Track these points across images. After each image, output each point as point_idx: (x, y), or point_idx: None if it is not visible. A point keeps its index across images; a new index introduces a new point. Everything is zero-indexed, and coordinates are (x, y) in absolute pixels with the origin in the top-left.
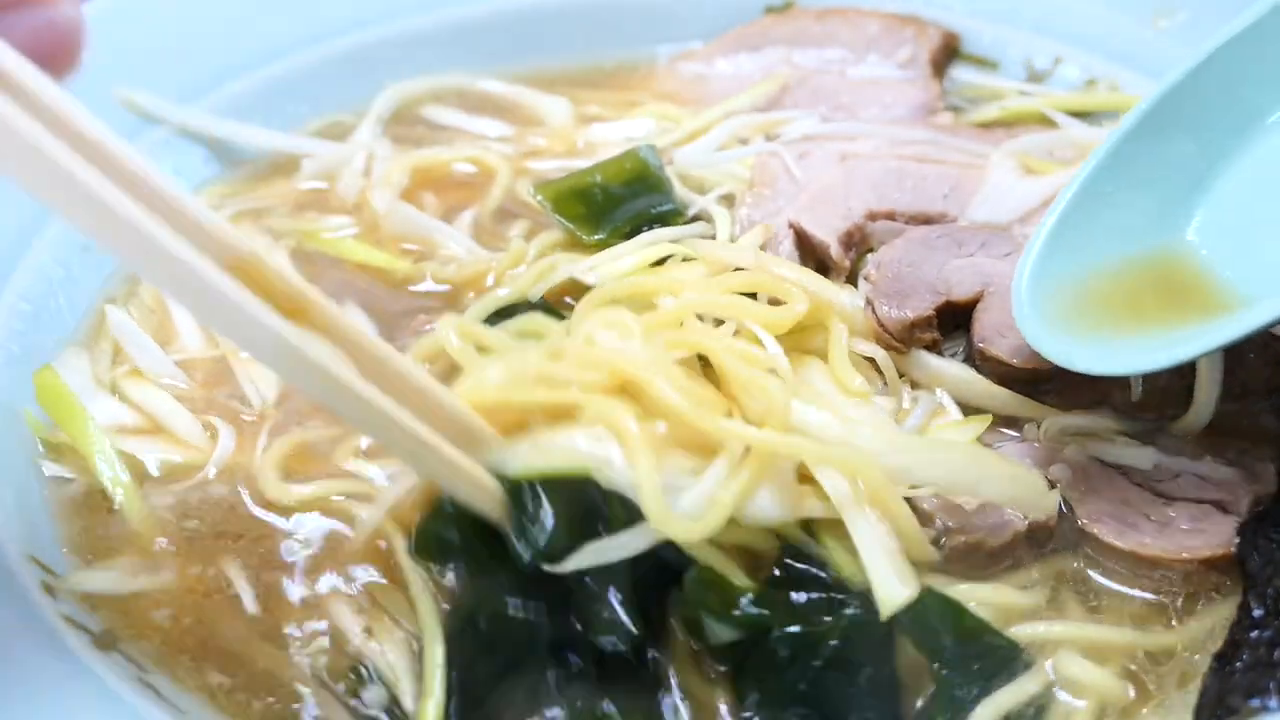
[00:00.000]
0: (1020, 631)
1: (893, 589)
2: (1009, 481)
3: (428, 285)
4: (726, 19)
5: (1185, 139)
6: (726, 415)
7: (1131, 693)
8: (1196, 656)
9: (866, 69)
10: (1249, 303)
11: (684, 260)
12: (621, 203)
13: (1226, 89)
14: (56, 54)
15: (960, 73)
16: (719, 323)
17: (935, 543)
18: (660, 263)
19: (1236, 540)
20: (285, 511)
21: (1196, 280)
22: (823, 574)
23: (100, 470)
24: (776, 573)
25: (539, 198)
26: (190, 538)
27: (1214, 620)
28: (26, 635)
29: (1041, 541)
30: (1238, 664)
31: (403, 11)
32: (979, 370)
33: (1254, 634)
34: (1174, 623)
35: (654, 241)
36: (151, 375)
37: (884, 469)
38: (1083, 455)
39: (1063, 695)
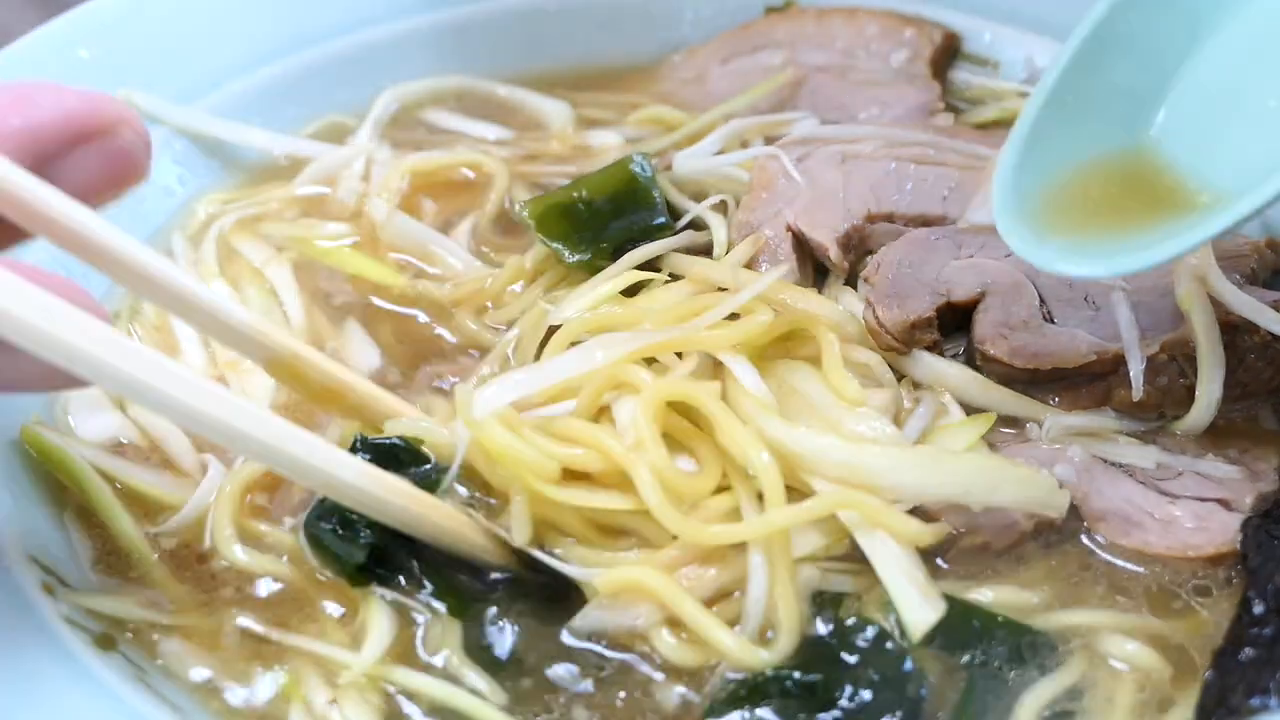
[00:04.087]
0: (1046, 621)
1: (920, 613)
2: (1021, 485)
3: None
4: (726, 19)
5: (1140, 42)
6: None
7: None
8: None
9: (866, 69)
10: (1220, 198)
11: (665, 283)
12: (607, 219)
13: None
14: (126, 175)
15: (960, 73)
16: None
17: (944, 544)
18: (637, 289)
19: (1240, 537)
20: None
21: (1165, 179)
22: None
23: (111, 524)
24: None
25: (525, 214)
26: (186, 580)
27: (1219, 614)
28: (26, 635)
29: (1047, 537)
30: (1239, 660)
31: (401, 13)
32: (979, 371)
33: (1254, 630)
34: (1183, 607)
35: (631, 264)
36: None
37: (894, 486)
38: (1086, 454)
39: (1103, 677)
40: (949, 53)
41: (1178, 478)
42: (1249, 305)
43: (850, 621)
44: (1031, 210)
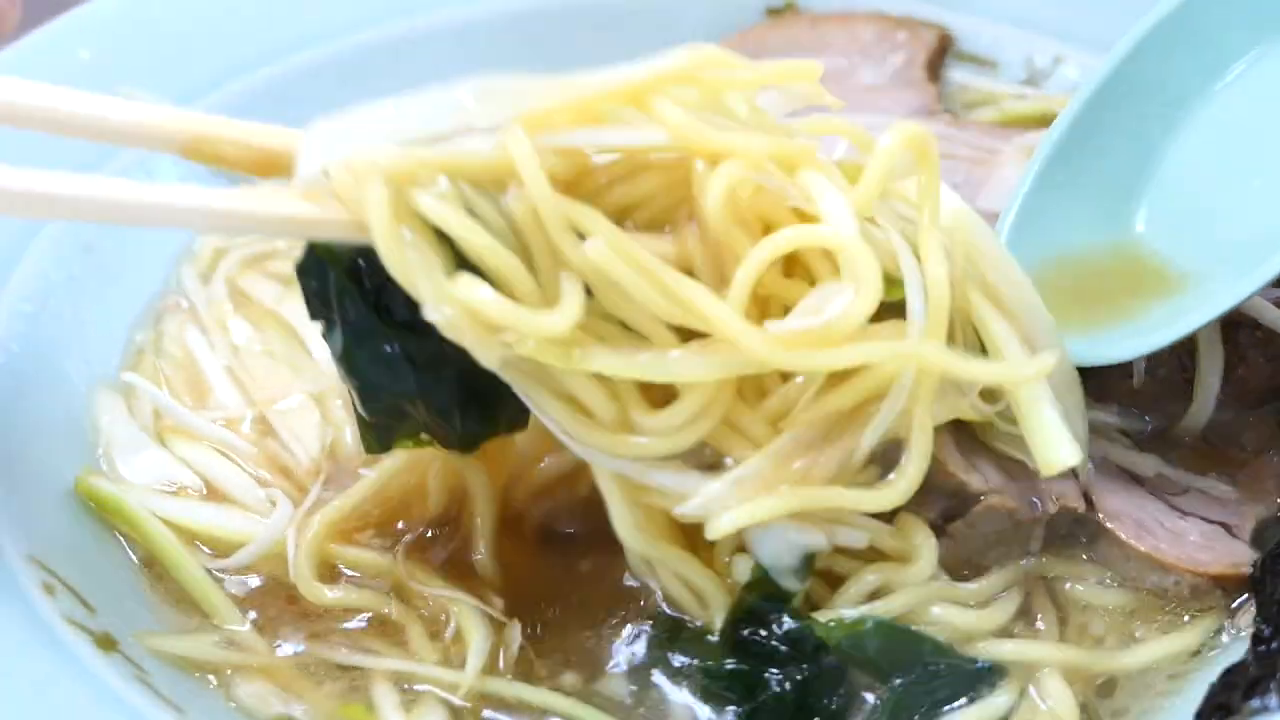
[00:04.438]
0: (987, 649)
1: (1062, 449)
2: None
3: None
4: (727, 19)
5: (1124, 127)
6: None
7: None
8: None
9: (862, 75)
10: (1201, 282)
11: None
12: None
13: (1158, 74)
14: None
15: (958, 74)
16: None
17: (970, 497)
18: None
19: (1248, 567)
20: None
21: (1150, 268)
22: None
23: (177, 568)
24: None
25: None
26: (259, 620)
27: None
28: (26, 635)
29: (1056, 530)
30: (1243, 670)
31: (400, 15)
32: None
33: (1261, 649)
34: (1140, 635)
35: None
36: (198, 434)
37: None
38: (1099, 453)
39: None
40: (943, 53)
41: (1184, 494)
42: (1251, 302)
43: (790, 626)
44: None
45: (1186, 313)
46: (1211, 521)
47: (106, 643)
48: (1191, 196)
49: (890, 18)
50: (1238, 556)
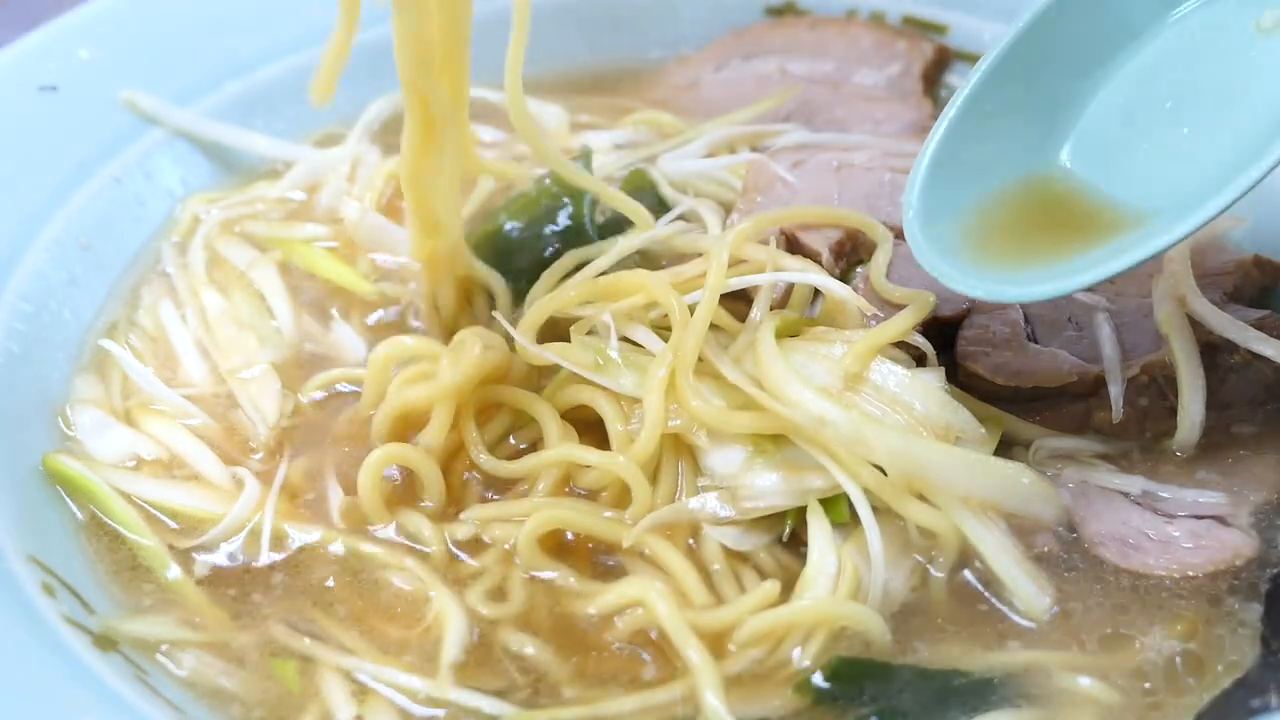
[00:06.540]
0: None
1: (1035, 604)
2: (1051, 504)
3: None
4: (726, 16)
5: (1053, 64)
6: None
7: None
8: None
9: (859, 83)
10: (1147, 218)
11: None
12: (526, 246)
13: (1090, 14)
14: None
15: (958, 77)
16: None
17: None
18: None
19: (1241, 559)
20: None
21: (1081, 203)
22: None
23: (138, 545)
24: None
25: None
26: (223, 597)
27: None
28: (26, 635)
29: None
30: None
31: None
32: (961, 387)
33: (1271, 657)
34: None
35: (600, 268)
36: (166, 408)
37: (942, 482)
38: (1079, 478)
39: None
40: (941, 65)
41: (1173, 499)
42: (1230, 325)
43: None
44: (951, 238)
45: (1126, 250)
46: (1202, 517)
47: (106, 643)
48: (1121, 137)
49: (890, 26)
50: (1231, 547)
